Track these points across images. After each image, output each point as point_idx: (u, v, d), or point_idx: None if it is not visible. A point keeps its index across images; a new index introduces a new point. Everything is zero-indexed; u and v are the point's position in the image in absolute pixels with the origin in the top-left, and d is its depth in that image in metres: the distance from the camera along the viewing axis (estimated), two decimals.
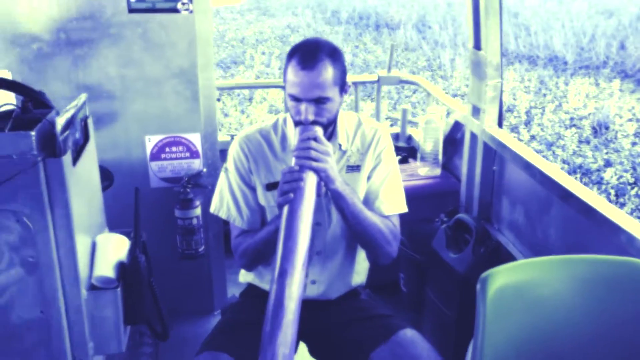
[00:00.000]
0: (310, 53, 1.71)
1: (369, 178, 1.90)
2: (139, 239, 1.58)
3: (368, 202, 1.88)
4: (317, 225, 1.86)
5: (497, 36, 2.35)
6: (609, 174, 6.00)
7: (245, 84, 7.19)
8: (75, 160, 1.47)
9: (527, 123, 7.59)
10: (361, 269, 2.02)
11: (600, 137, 7.04)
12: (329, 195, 1.78)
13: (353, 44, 12.25)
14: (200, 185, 2.56)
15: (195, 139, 2.52)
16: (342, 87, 1.79)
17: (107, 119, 2.42)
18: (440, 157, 2.93)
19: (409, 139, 3.39)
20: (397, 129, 3.42)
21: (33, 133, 1.33)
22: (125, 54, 2.36)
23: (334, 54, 1.75)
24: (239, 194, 1.91)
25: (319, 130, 1.72)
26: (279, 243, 1.58)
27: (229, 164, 1.93)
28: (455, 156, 2.96)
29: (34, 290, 1.42)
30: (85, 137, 1.62)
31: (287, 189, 1.62)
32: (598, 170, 6.12)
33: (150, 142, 2.50)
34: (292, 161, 1.69)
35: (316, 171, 1.66)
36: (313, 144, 1.67)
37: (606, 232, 1.77)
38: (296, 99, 1.73)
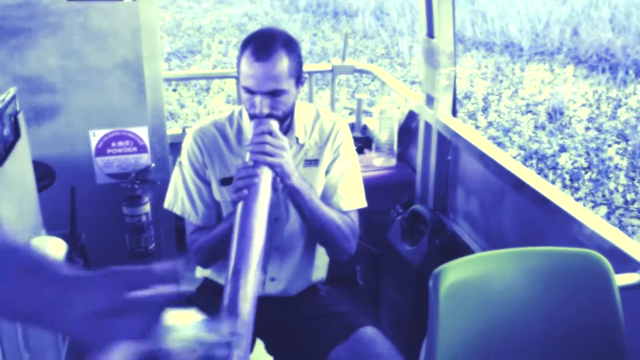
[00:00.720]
0: (264, 44, 1.65)
1: (327, 172, 1.85)
2: (76, 241, 1.49)
3: (326, 197, 1.83)
4: (275, 221, 1.80)
5: (450, 24, 2.31)
6: (563, 159, 6.08)
7: (199, 74, 6.98)
8: (2, 159, 1.37)
9: (485, 110, 7.64)
10: (321, 264, 1.97)
11: (555, 123, 7.12)
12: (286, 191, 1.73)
13: (311, 32, 12.15)
14: (148, 180, 2.46)
15: (143, 132, 2.43)
16: (298, 79, 1.73)
17: (48, 113, 2.31)
18: (395, 147, 2.89)
19: (364, 129, 3.34)
20: (352, 119, 3.37)
21: None
22: (65, 44, 2.25)
23: (290, 45, 1.69)
24: (194, 189, 1.84)
25: (274, 124, 1.66)
26: (232, 241, 1.53)
27: (183, 157, 1.86)
28: (411, 146, 2.93)
29: None
30: (16, 134, 1.52)
31: (241, 185, 1.57)
32: (553, 155, 6.19)
33: (95, 136, 2.39)
34: (246, 156, 1.63)
35: (271, 166, 1.61)
36: (268, 138, 1.62)
37: (560, 222, 1.76)
38: (250, 92, 1.67)
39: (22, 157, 1.55)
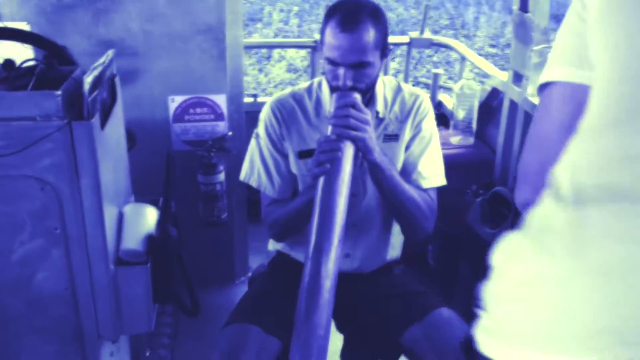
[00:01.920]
0: (351, 14, 1.58)
1: (407, 148, 1.79)
2: (169, 210, 1.47)
3: (405, 173, 1.77)
4: (353, 197, 1.74)
5: None
6: None
7: (277, 42, 6.79)
8: (103, 123, 1.35)
9: None
10: (396, 243, 1.92)
11: None
12: (365, 166, 1.67)
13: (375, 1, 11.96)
14: (224, 149, 2.44)
15: (221, 100, 2.40)
16: (383, 51, 1.66)
17: (129, 77, 2.29)
18: (474, 125, 2.79)
19: (439, 105, 3.24)
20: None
21: (59, 93, 1.21)
22: (149, 8, 2.23)
23: (376, 15, 1.62)
24: (270, 162, 1.80)
25: (357, 97, 1.60)
26: (314, 217, 1.49)
27: (260, 129, 1.82)
28: (490, 125, 2.82)
29: (58, 264, 1.33)
30: (113, 98, 1.50)
31: (324, 159, 1.52)
32: None
33: (174, 102, 2.38)
34: (328, 129, 1.58)
35: (354, 140, 1.55)
36: (352, 111, 1.56)
37: None
38: (334, 63, 1.61)
39: (118, 121, 1.53)
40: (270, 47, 7.35)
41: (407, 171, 1.78)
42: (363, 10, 1.60)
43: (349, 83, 1.60)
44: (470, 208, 2.38)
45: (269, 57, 8.25)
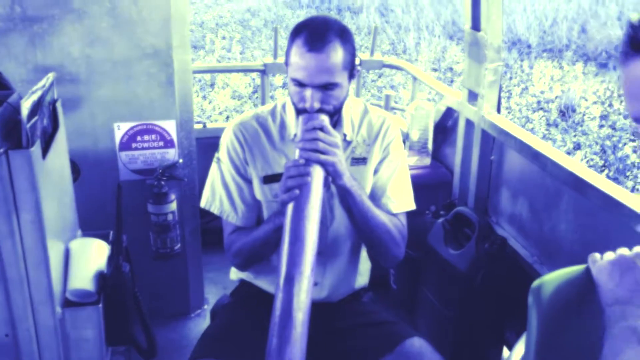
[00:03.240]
0: (318, 33, 1.51)
1: (375, 172, 1.72)
2: (121, 244, 1.35)
3: (374, 198, 1.71)
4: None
5: (499, 15, 2.18)
6: (578, 157, 5.98)
7: (226, 67, 6.63)
8: (45, 152, 1.23)
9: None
10: (364, 270, 1.85)
11: (568, 120, 7.02)
12: (332, 190, 1.60)
13: None
14: (175, 177, 2.33)
15: (170, 126, 2.29)
16: (351, 72, 1.60)
17: (71, 105, 2.16)
18: (429, 146, 2.76)
19: None
20: None
21: None
22: (90, 31, 2.11)
23: (344, 35, 1.56)
24: (233, 187, 1.71)
25: (325, 119, 1.53)
26: (283, 245, 1.41)
27: (222, 153, 1.72)
28: (446, 145, 2.80)
29: None
30: (55, 124, 1.37)
31: (292, 185, 1.44)
32: (568, 153, 6.08)
33: (120, 130, 2.25)
34: (295, 153, 1.50)
35: (323, 165, 1.48)
36: (320, 134, 1.49)
37: (630, 225, 1.63)
38: (301, 84, 1.54)
39: (61, 149, 1.40)
40: (219, 71, 7.19)
41: (377, 195, 1.72)
42: (330, 29, 1.53)
43: (317, 105, 1.53)
44: (431, 229, 2.33)
45: (212, 85, 8.13)
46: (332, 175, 1.51)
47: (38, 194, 1.15)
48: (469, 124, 2.44)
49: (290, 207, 1.44)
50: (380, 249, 1.70)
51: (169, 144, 2.31)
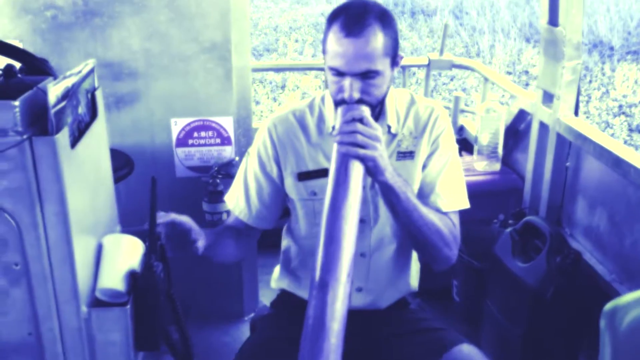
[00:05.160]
0: (356, 17, 1.39)
1: (424, 167, 1.58)
2: (155, 242, 1.28)
3: (422, 195, 1.56)
4: (361, 223, 1.49)
5: (579, 9, 2.01)
6: None
7: (287, 65, 6.58)
8: (75, 141, 1.17)
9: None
10: (413, 274, 1.71)
11: None
12: (376, 187, 1.48)
13: None
14: (231, 175, 2.26)
15: (227, 123, 2.23)
16: (394, 59, 1.46)
17: (129, 99, 2.14)
18: (500, 150, 2.59)
19: (461, 129, 3.05)
20: None
21: (16, 103, 1.04)
22: (149, 25, 2.08)
23: (385, 18, 1.42)
24: (253, 184, 1.63)
25: (366, 110, 1.39)
26: (318, 247, 1.28)
27: (252, 148, 1.65)
28: (517, 150, 2.63)
29: (20, 306, 1.14)
30: (93, 114, 1.32)
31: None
32: None
33: (177, 125, 2.21)
34: (333, 147, 1.38)
35: (363, 160, 1.35)
36: (359, 126, 1.35)
37: None
38: (339, 73, 1.42)
39: (98, 140, 1.34)
40: (279, 70, 7.15)
41: (425, 192, 1.57)
42: (370, 12, 1.40)
43: (356, 95, 1.40)
44: (498, 239, 2.17)
45: (283, 87, 8.14)
46: (372, 171, 1.37)
47: (63, 185, 1.09)
48: (543, 127, 2.27)
49: (325, 206, 1.32)
50: (429, 250, 1.55)
51: (225, 141, 2.25)
